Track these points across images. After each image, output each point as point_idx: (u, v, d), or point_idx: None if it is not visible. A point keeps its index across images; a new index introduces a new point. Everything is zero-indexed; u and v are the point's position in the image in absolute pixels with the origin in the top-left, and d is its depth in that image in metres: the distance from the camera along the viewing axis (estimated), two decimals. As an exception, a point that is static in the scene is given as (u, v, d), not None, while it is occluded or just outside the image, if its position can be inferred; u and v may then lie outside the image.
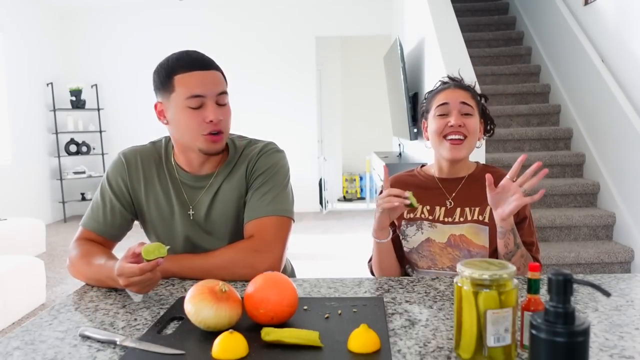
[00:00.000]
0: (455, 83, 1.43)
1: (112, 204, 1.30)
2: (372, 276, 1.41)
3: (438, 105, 1.37)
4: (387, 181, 1.28)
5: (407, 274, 1.44)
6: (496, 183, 1.21)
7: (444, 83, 1.47)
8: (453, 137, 1.33)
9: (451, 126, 1.33)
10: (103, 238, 1.30)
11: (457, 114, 1.34)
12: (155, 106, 1.25)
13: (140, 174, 1.31)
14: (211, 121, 1.18)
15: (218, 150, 1.24)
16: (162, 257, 1.03)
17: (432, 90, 1.47)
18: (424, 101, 1.47)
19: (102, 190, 1.32)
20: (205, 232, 1.31)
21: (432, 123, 1.38)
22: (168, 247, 1.06)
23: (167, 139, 1.36)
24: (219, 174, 1.30)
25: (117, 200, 1.31)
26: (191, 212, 1.29)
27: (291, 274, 1.53)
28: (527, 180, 1.17)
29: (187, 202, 1.30)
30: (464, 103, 1.34)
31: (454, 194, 1.39)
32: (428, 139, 1.43)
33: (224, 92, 1.22)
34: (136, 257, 1.04)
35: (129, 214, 1.33)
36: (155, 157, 1.33)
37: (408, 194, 1.19)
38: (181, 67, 1.19)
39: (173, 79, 1.19)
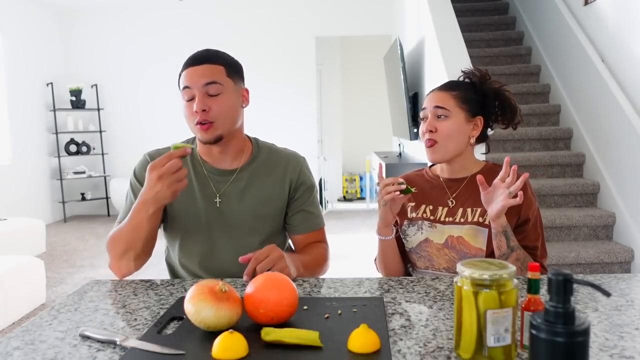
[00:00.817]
0: (448, 82, 1.42)
1: None
2: (375, 275, 1.41)
3: (421, 110, 1.41)
4: (382, 179, 1.29)
5: (408, 273, 1.44)
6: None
7: (465, 75, 1.46)
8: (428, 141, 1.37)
9: (425, 132, 1.36)
10: None
11: (431, 118, 1.36)
12: None
13: None
14: (196, 111, 1.25)
15: (209, 139, 1.28)
16: (190, 148, 1.15)
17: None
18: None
19: (131, 187, 1.40)
20: (229, 225, 1.35)
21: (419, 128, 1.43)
22: (193, 147, 1.21)
23: (192, 139, 1.44)
24: (244, 168, 1.37)
25: None
26: (218, 199, 1.34)
27: None
28: (512, 182, 1.17)
29: (214, 191, 1.35)
30: (437, 107, 1.35)
31: (455, 194, 1.39)
32: None
33: (213, 82, 1.26)
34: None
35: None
36: None
37: (400, 180, 1.24)
38: (184, 65, 1.30)
39: (181, 75, 1.30)
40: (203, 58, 1.28)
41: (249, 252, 1.22)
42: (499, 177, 1.19)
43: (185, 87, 1.27)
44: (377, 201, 1.29)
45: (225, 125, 1.29)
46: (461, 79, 1.44)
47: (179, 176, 1.13)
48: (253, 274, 1.12)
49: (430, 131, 1.34)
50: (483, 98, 1.39)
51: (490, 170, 1.38)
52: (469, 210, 1.36)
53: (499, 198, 1.18)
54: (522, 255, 1.27)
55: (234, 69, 1.32)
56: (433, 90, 1.41)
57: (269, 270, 1.14)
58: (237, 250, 1.33)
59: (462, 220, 1.35)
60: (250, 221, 1.36)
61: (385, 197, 1.24)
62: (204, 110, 1.24)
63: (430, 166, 1.51)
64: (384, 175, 1.30)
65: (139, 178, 1.38)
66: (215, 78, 1.26)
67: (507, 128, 1.44)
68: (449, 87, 1.40)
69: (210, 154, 1.37)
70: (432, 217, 1.39)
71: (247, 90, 1.37)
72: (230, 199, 1.35)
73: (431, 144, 1.35)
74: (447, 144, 1.34)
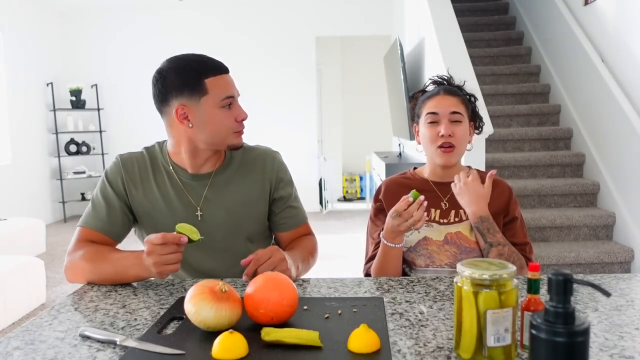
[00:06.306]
0: (445, 87, 1.43)
1: (114, 202, 1.31)
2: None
3: (428, 113, 1.40)
4: (406, 211, 1.23)
5: (405, 274, 1.44)
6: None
7: (434, 82, 1.48)
8: (444, 146, 1.37)
9: (442, 136, 1.36)
10: (105, 237, 1.29)
11: (447, 123, 1.36)
12: (176, 111, 1.24)
13: (137, 178, 1.33)
14: (242, 119, 1.29)
15: (242, 143, 1.33)
16: (190, 239, 1.09)
17: (421, 91, 1.49)
18: (418, 102, 1.48)
19: (102, 190, 1.33)
20: (213, 232, 1.32)
21: (423, 130, 1.42)
22: (201, 237, 1.13)
23: (160, 144, 1.39)
24: (220, 172, 1.35)
25: (118, 198, 1.31)
26: (199, 212, 1.32)
27: None
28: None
29: (193, 203, 1.32)
30: (453, 112, 1.37)
31: (448, 197, 1.41)
32: (420, 143, 1.46)
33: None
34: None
35: (130, 214, 1.34)
36: (150, 162, 1.35)
37: (411, 197, 1.21)
38: (211, 71, 1.24)
39: (204, 82, 1.23)
40: (226, 67, 1.30)
41: (237, 255, 1.22)
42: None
43: (230, 96, 1.26)
44: (393, 221, 1.23)
45: None
46: (430, 86, 1.48)
47: (169, 260, 1.08)
48: (253, 275, 1.12)
49: (449, 135, 1.35)
50: (470, 103, 1.45)
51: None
52: (461, 211, 1.39)
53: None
54: (507, 252, 1.30)
55: None
56: (439, 94, 1.41)
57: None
58: (224, 255, 1.34)
59: (456, 219, 1.39)
60: (234, 225, 1.34)
61: (418, 226, 1.21)
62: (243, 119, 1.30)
63: (414, 168, 1.52)
64: (410, 199, 1.22)
65: (110, 180, 1.32)
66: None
67: (479, 133, 1.50)
68: (454, 93, 1.41)
69: (194, 164, 1.32)
70: (427, 218, 1.40)
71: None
72: (210, 207, 1.33)
73: (450, 149, 1.37)
74: (461, 147, 1.39)
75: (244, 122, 1.31)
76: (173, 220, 1.28)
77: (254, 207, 1.37)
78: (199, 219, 1.32)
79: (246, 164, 1.38)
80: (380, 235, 1.32)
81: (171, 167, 1.34)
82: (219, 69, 1.26)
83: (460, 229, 1.37)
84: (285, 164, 1.45)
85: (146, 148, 1.39)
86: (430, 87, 1.48)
